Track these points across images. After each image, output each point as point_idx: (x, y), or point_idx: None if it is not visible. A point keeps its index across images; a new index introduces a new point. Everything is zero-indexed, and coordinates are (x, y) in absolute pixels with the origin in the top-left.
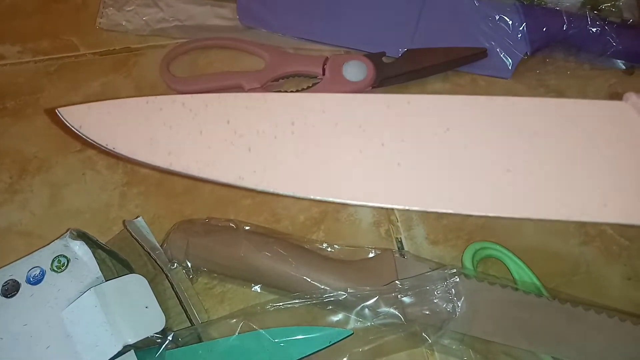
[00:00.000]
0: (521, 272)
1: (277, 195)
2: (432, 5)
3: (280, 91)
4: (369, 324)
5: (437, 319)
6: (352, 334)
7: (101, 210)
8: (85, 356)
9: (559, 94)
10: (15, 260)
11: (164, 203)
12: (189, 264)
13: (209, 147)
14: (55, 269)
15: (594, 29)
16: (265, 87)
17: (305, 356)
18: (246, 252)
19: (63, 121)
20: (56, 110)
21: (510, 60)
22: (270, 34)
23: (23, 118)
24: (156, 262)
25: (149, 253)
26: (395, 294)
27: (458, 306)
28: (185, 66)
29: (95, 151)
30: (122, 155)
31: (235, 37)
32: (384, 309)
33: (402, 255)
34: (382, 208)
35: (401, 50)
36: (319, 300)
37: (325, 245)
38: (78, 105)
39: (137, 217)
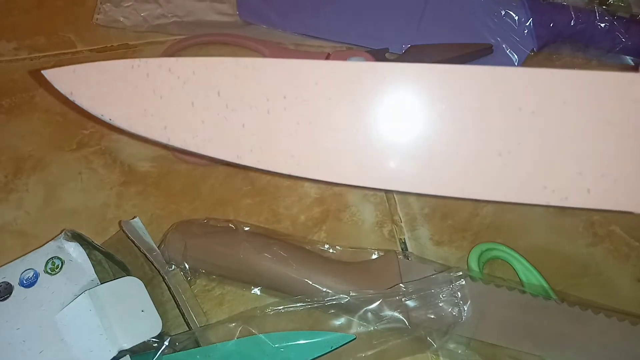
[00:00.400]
0: (528, 274)
1: (276, 174)
2: (436, 0)
3: None
4: (372, 328)
5: (442, 323)
6: (355, 338)
7: (98, 210)
8: None
9: None
10: (9, 262)
11: (162, 203)
12: (187, 266)
13: (203, 121)
14: (49, 271)
15: (602, 25)
16: None
17: None
18: (245, 253)
19: (53, 87)
20: (42, 72)
21: (516, 56)
22: (271, 29)
23: (19, 116)
24: (153, 264)
25: (145, 255)
26: (399, 297)
27: (464, 310)
28: None
29: (91, 150)
30: (120, 127)
31: (234, 33)
32: (388, 312)
33: (406, 257)
34: (370, 189)
35: (404, 46)
36: (321, 303)
37: (326, 246)
38: (63, 68)
39: (134, 218)
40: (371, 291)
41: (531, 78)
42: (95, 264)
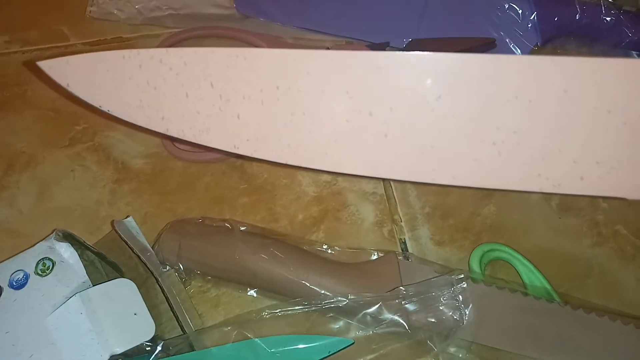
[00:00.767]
0: (531, 275)
1: (273, 164)
2: None
3: None
4: (371, 332)
5: (443, 326)
6: (353, 343)
7: (91, 208)
8: None
9: None
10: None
11: (156, 201)
12: (182, 267)
13: (199, 112)
14: (40, 272)
15: (608, 19)
16: None
17: None
18: (241, 254)
19: (49, 79)
20: (37, 64)
21: (519, 51)
22: (269, 23)
23: (11, 111)
24: (146, 265)
25: (138, 256)
26: (399, 300)
27: (465, 314)
28: None
29: (84, 146)
30: (118, 117)
31: (231, 26)
32: (387, 316)
33: (406, 258)
34: (365, 177)
35: (406, 41)
36: (318, 306)
37: (325, 246)
38: (57, 59)
39: (127, 217)
40: (370, 294)
41: (530, 66)
42: (88, 264)
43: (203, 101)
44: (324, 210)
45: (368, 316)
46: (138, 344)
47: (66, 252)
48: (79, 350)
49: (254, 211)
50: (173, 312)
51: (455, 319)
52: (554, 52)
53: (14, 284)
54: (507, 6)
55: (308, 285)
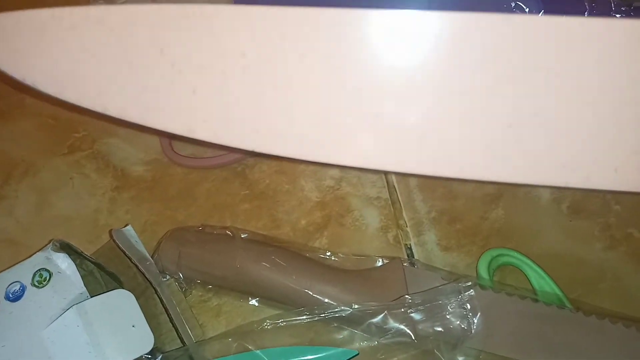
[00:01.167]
0: (541, 281)
1: (237, 150)
2: None
3: None
4: (376, 342)
5: (451, 336)
6: (358, 354)
7: (90, 216)
8: None
9: None
10: None
11: (156, 208)
12: (182, 276)
13: (145, 86)
14: (37, 283)
15: (618, 16)
16: None
17: None
18: (242, 263)
19: None
20: None
21: None
22: None
23: (9, 119)
24: (144, 275)
25: (136, 265)
26: (405, 309)
27: (473, 322)
28: None
29: (84, 154)
30: (46, 94)
31: None
32: (393, 325)
33: (412, 264)
34: (352, 168)
35: None
36: (321, 316)
37: (328, 253)
38: None
39: (126, 225)
40: (374, 303)
41: (552, 29)
42: (87, 275)
43: (151, 71)
44: (327, 215)
45: (373, 326)
46: (136, 356)
47: (63, 262)
48: None
49: (256, 218)
50: (172, 324)
51: (463, 327)
52: None
53: (10, 296)
54: (513, 4)
55: (311, 294)
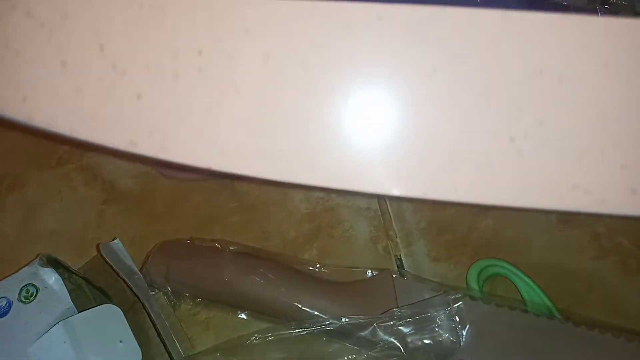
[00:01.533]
0: (531, 291)
1: (190, 169)
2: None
3: None
4: (365, 355)
5: (440, 348)
6: None
7: (78, 230)
8: None
9: None
10: None
11: (145, 222)
12: (170, 289)
13: (79, 90)
14: (23, 299)
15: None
16: None
17: None
18: (231, 276)
19: None
20: None
21: None
22: None
23: None
24: (132, 289)
25: (124, 280)
26: (394, 322)
27: (462, 334)
28: None
29: (72, 167)
30: None
31: None
32: (382, 338)
33: (402, 275)
34: (328, 190)
35: None
36: (310, 329)
37: (318, 265)
38: None
39: (114, 239)
40: (363, 317)
41: (557, 28)
42: (75, 289)
43: (87, 72)
44: (317, 227)
45: (362, 339)
46: None
47: (50, 277)
48: None
49: (245, 230)
50: (160, 338)
51: (452, 340)
52: None
53: None
54: None
55: (300, 307)
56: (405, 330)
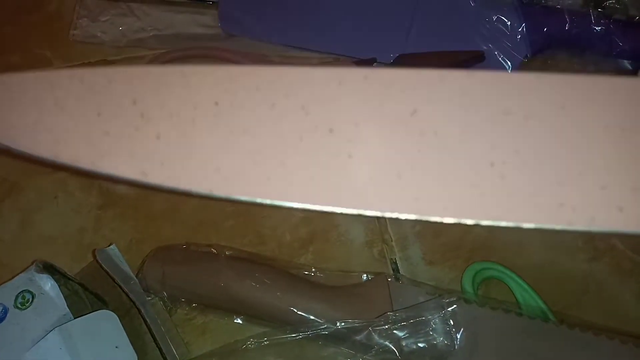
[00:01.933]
0: (525, 294)
1: (199, 196)
2: (425, 7)
3: None
4: (361, 359)
5: (435, 351)
6: None
7: (75, 236)
8: None
9: None
10: None
11: (141, 226)
12: (166, 295)
13: (107, 133)
14: (19, 305)
15: (598, 28)
16: None
17: None
18: (226, 281)
19: None
20: None
21: (509, 63)
22: (254, 41)
23: None
24: (128, 295)
25: (120, 286)
26: (389, 326)
27: (457, 338)
28: None
29: (68, 172)
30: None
31: (217, 45)
32: (377, 342)
33: (397, 279)
34: (324, 212)
35: (393, 56)
36: (306, 334)
37: (313, 270)
38: None
39: (110, 245)
40: (358, 321)
41: (518, 82)
42: (71, 294)
43: (117, 119)
44: (312, 231)
45: (358, 343)
46: None
47: (46, 283)
48: None
49: (241, 234)
50: (156, 343)
51: (447, 343)
52: (545, 63)
53: None
54: (495, 18)
55: (296, 311)
56: (400, 334)
